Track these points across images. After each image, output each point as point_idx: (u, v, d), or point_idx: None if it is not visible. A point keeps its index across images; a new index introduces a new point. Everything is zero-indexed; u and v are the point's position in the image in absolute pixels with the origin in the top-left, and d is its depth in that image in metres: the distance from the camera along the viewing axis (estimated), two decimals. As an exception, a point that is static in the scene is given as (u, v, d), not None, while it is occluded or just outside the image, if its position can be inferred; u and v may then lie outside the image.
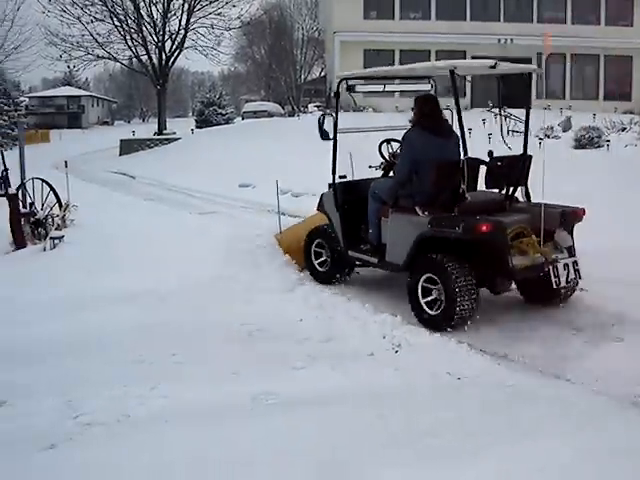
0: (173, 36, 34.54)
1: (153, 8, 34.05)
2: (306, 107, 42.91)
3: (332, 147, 7.58)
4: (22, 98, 66.54)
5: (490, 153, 6.58)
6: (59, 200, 10.76)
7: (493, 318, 6.34)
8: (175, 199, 16.28)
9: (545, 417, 4.31)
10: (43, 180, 10.69)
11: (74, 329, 6.24)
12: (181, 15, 34.22)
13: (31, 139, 38.85)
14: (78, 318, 6.53)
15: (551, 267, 6.18)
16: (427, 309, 6.32)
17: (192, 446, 4.06)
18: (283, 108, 50.61)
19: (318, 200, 8.18)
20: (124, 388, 4.90)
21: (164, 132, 34.38)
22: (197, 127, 41.51)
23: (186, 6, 33.86)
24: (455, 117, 6.73)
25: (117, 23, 34.01)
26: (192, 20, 34.22)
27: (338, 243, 7.70)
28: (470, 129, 18.46)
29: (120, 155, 31.32)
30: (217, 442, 4.12)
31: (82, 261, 8.50)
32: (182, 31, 34.32)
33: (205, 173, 18.95)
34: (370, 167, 8.10)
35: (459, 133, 6.50)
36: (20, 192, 10.40)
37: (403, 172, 6.95)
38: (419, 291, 6.41)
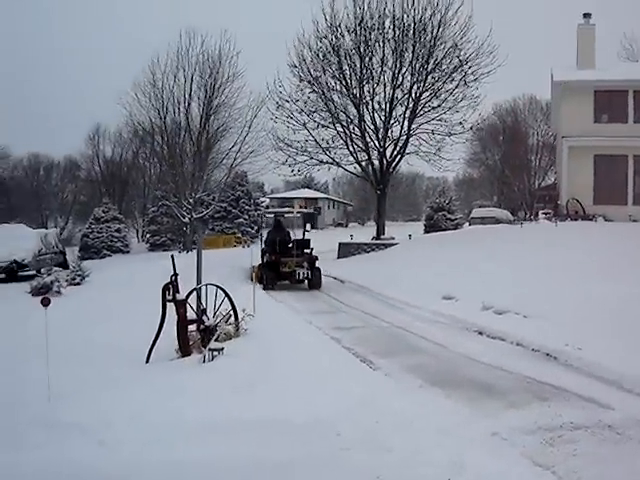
0: (394, 142, 34.59)
1: (376, 115, 34.43)
2: (536, 215, 41.26)
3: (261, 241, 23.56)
4: (263, 198, 70.55)
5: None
6: (234, 307, 10.46)
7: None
8: (374, 310, 15.78)
9: None
10: (218, 286, 10.43)
11: (191, 458, 5.82)
12: (402, 121, 34.27)
13: (210, 243, 40.74)
14: (207, 443, 6.11)
15: (295, 272, 21.15)
16: (265, 283, 21.05)
17: None
18: (515, 214, 49.05)
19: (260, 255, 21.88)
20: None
21: (382, 237, 34.17)
22: (425, 231, 42.44)
23: (408, 113, 33.85)
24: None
25: (340, 129, 34.71)
26: (413, 126, 34.12)
27: (264, 271, 21.55)
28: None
29: (338, 258, 31.46)
30: None
31: (232, 378, 8.02)
32: (403, 137, 34.28)
33: (412, 282, 18.17)
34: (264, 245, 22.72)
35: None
36: (196, 297, 10.18)
37: (265, 243, 22.68)
38: (263, 277, 21.21)
